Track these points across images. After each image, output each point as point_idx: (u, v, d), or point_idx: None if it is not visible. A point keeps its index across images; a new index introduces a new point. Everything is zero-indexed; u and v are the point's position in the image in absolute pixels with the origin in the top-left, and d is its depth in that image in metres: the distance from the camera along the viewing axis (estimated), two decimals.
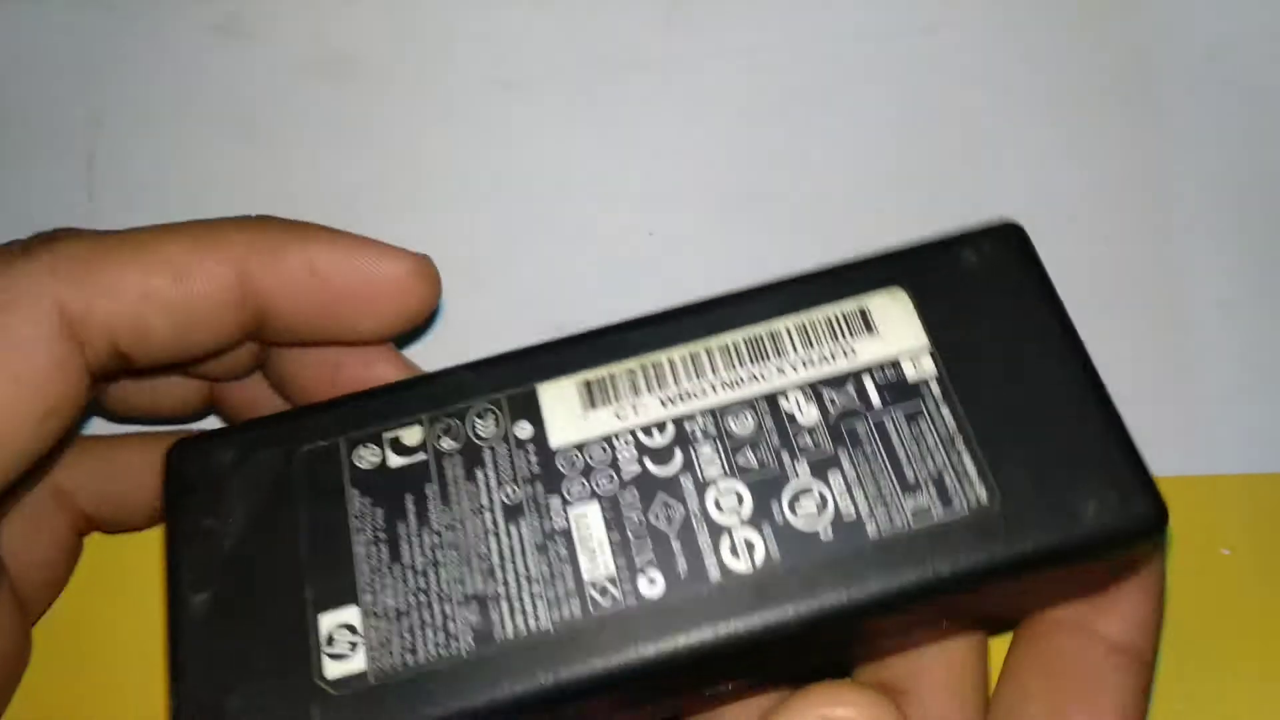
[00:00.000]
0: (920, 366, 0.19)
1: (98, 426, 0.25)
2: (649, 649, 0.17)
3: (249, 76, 0.29)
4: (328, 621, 0.17)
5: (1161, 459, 0.25)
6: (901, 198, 0.28)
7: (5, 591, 0.21)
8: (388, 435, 0.19)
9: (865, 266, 0.20)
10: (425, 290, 0.20)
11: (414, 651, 0.17)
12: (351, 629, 0.17)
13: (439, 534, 0.18)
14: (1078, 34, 0.30)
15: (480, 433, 0.19)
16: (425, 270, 0.20)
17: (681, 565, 0.18)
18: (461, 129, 0.29)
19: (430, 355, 0.22)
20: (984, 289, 0.19)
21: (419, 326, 0.21)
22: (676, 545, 0.18)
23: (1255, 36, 0.29)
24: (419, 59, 0.29)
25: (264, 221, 0.20)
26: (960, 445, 0.18)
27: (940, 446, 0.18)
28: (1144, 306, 0.27)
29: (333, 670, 0.17)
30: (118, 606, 0.24)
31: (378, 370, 0.21)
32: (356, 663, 0.17)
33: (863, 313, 0.19)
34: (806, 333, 0.19)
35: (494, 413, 0.19)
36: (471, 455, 0.19)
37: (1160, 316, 0.26)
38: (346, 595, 0.18)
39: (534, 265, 0.27)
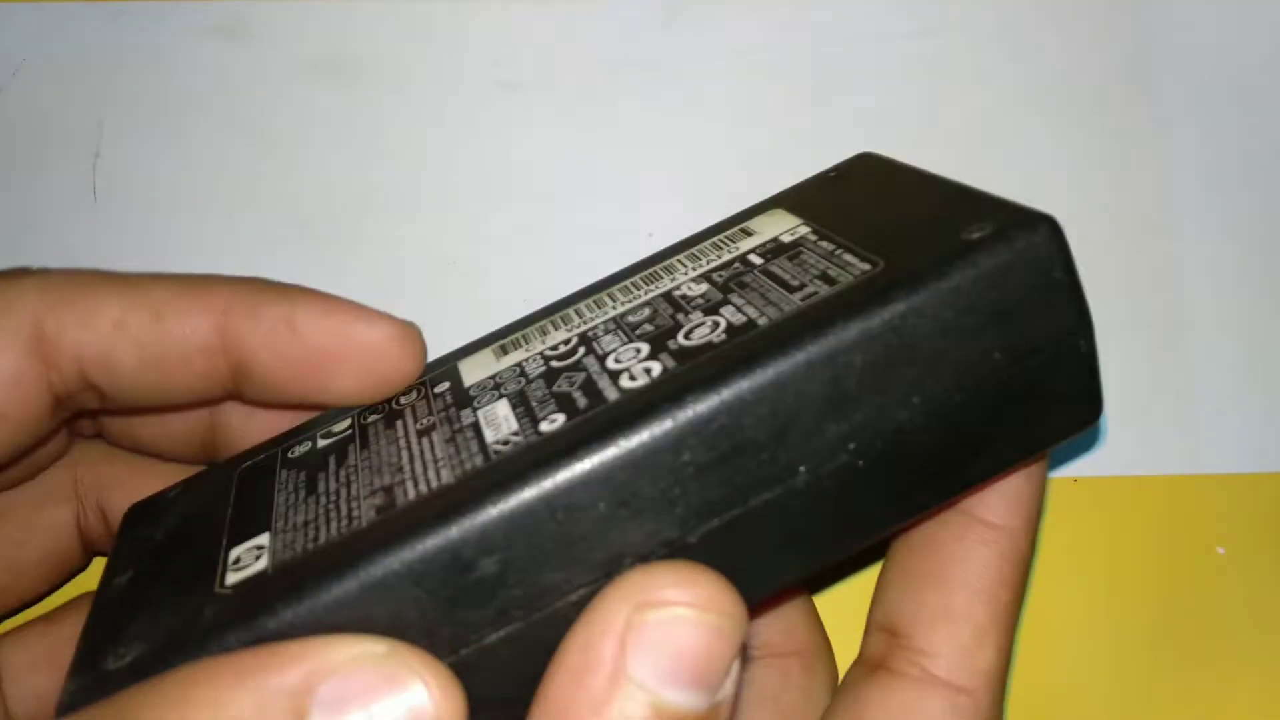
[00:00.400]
0: (796, 233, 0.19)
1: None
2: (550, 470, 0.15)
3: (251, 77, 0.29)
4: (237, 550, 0.17)
5: (1158, 458, 0.25)
6: None
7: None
8: (320, 431, 0.19)
9: (747, 209, 0.22)
10: (405, 357, 0.19)
11: (315, 540, 0.16)
12: (259, 547, 0.17)
13: (354, 467, 0.18)
14: (1078, 34, 0.30)
15: (402, 401, 0.19)
16: (407, 337, 0.20)
17: (581, 402, 0.17)
18: (461, 129, 0.29)
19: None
20: (845, 184, 0.21)
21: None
22: (578, 394, 0.17)
23: (1255, 36, 0.29)
24: (419, 60, 0.30)
25: (251, 279, 0.20)
26: (841, 252, 0.18)
27: (822, 259, 0.18)
28: (1142, 307, 0.27)
29: (233, 579, 0.16)
30: None
31: None
32: (258, 567, 0.16)
33: (743, 229, 0.20)
34: (696, 255, 0.20)
35: (417, 389, 0.20)
36: (393, 415, 0.19)
37: (1158, 317, 0.26)
38: (260, 528, 0.17)
39: (534, 265, 0.28)
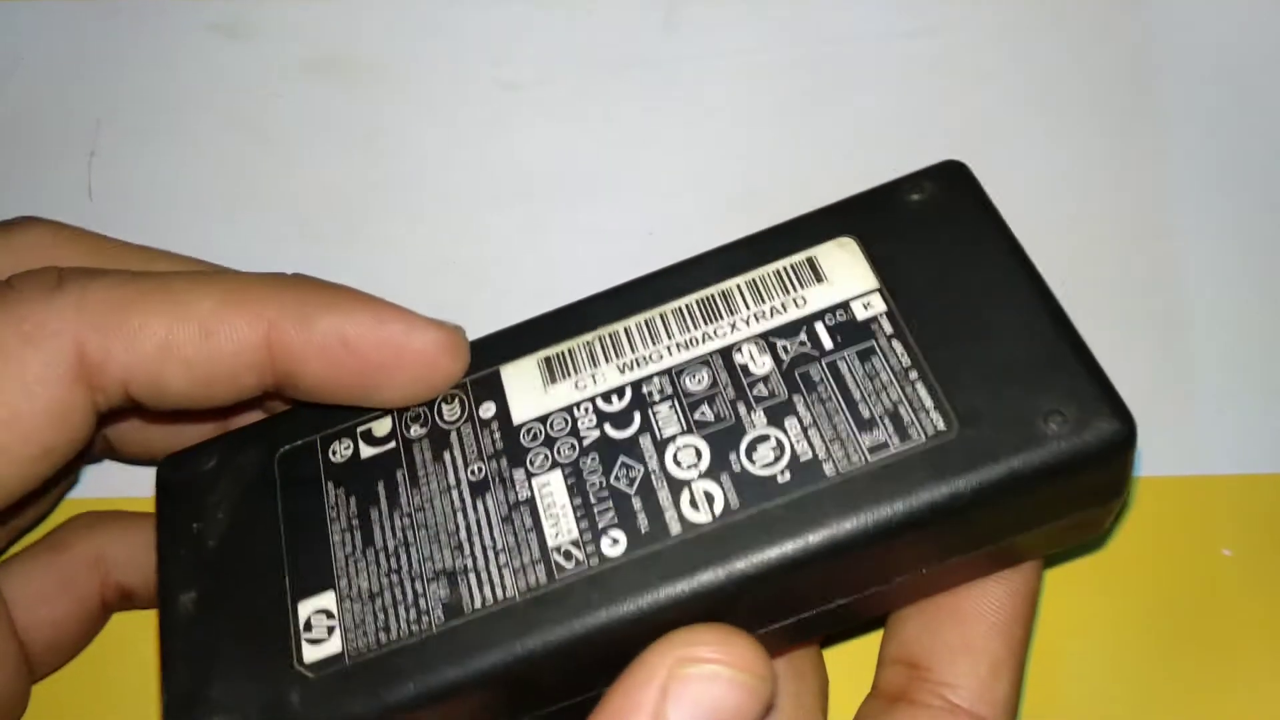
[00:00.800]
0: (871, 306, 0.19)
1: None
2: (614, 609, 0.17)
3: (249, 76, 0.29)
4: (305, 608, 0.18)
5: (1162, 459, 0.25)
6: None
7: (8, 633, 0.21)
8: (360, 429, 0.19)
9: (811, 219, 0.20)
10: (452, 363, 0.19)
11: (387, 630, 0.17)
12: (328, 614, 0.18)
13: (409, 516, 0.18)
14: (1077, 34, 0.30)
15: (446, 417, 0.19)
16: (455, 342, 0.20)
17: (643, 523, 0.17)
18: (461, 129, 0.29)
19: None
20: (930, 224, 0.19)
21: None
22: (638, 503, 0.18)
23: (1255, 36, 0.29)
24: (419, 59, 0.30)
25: (297, 282, 0.19)
26: (914, 377, 0.18)
27: (894, 381, 0.18)
28: (1143, 306, 0.27)
29: (310, 655, 0.17)
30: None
31: None
32: (333, 645, 0.17)
33: (811, 262, 0.19)
34: (757, 288, 0.19)
35: (459, 397, 0.19)
36: (439, 439, 0.19)
37: (1160, 316, 0.26)
38: (323, 581, 0.18)
39: (534, 265, 0.27)
